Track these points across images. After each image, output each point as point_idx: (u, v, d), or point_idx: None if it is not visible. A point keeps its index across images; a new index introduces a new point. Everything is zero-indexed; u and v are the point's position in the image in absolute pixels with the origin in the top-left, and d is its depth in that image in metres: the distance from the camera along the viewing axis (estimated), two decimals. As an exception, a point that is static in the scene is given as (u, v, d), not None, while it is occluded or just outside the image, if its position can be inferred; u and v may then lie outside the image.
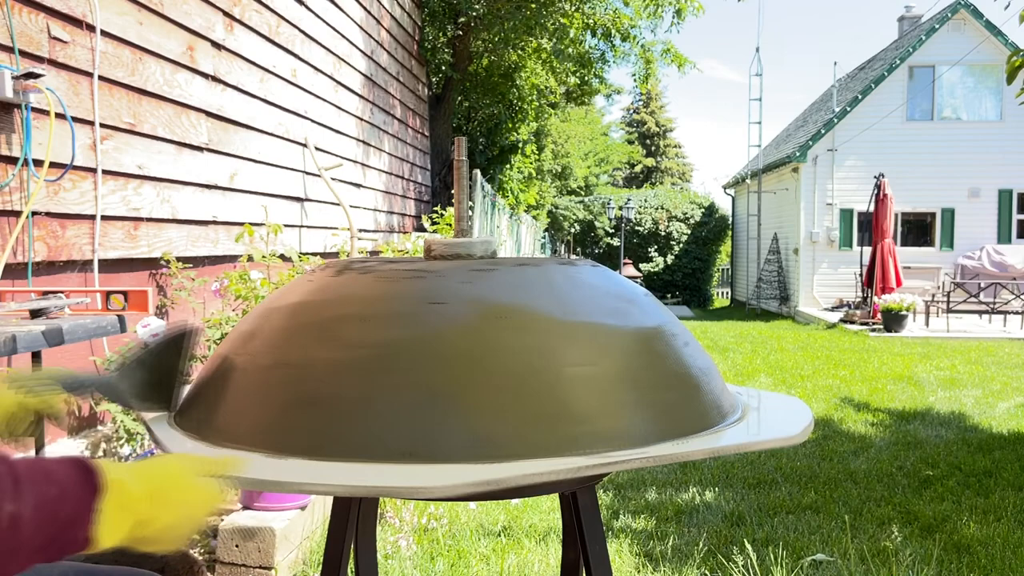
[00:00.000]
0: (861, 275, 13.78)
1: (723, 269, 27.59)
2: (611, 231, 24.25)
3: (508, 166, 13.73)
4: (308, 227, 5.73)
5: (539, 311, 1.06)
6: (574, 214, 24.90)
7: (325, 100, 6.09)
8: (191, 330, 1.10)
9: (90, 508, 0.69)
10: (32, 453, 2.12)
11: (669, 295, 23.02)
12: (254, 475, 0.89)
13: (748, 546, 3.01)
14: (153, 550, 0.78)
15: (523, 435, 0.95)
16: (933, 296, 13.08)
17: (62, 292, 2.23)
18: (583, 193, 29.16)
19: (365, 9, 7.08)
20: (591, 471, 0.93)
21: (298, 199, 5.54)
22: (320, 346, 1.05)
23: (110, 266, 3.40)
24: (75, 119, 3.08)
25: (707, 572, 2.89)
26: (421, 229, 8.74)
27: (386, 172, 7.84)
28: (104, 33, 3.30)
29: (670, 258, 23.35)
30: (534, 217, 19.89)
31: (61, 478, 0.68)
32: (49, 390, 0.98)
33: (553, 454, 0.94)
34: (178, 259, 3.83)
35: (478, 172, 9.80)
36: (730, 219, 23.53)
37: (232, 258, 4.42)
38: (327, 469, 0.92)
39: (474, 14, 10.35)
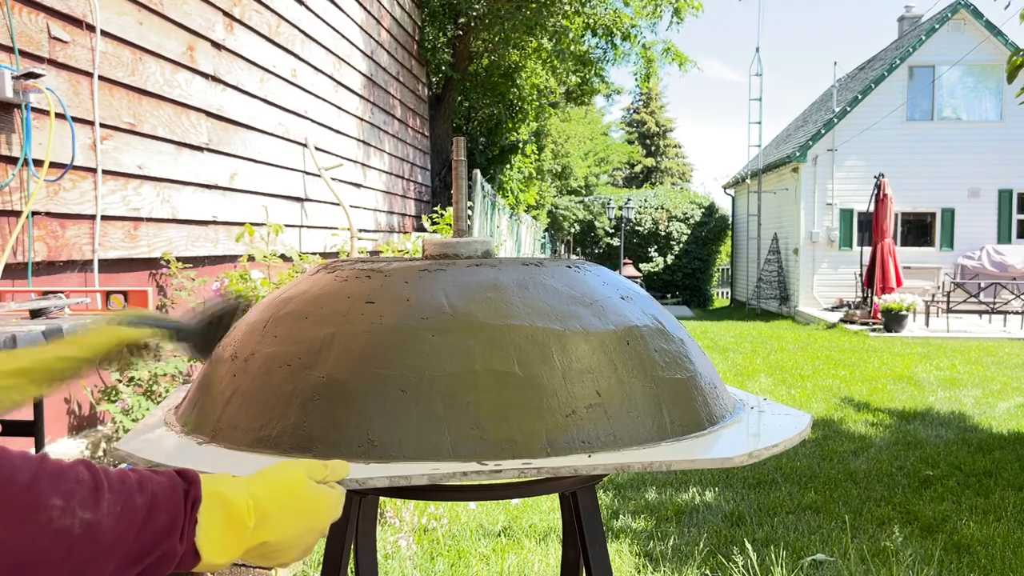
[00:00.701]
0: (861, 275, 13.78)
1: (723, 269, 27.58)
2: (611, 231, 24.25)
3: (508, 166, 13.73)
4: (308, 227, 5.73)
5: (465, 312, 1.06)
6: (574, 214, 24.90)
7: (325, 100, 6.09)
8: (245, 305, 1.26)
9: (185, 519, 0.67)
10: (32, 449, 2.12)
11: (669, 295, 23.02)
12: (360, 475, 0.91)
13: (748, 546, 3.01)
14: (277, 564, 0.77)
15: (402, 438, 0.96)
16: (933, 296, 13.08)
17: (62, 292, 2.23)
18: (583, 193, 29.16)
19: (365, 9, 7.08)
20: (454, 479, 0.94)
21: (298, 199, 5.54)
22: (262, 341, 1.12)
23: (110, 266, 3.40)
24: (75, 119, 3.08)
25: (707, 572, 2.89)
26: (421, 229, 8.74)
27: (386, 172, 7.84)
28: (104, 33, 3.30)
29: (670, 258, 23.34)
30: (534, 217, 19.89)
31: (154, 488, 0.67)
32: (141, 327, 1.13)
33: (444, 459, 0.95)
34: (178, 259, 3.83)
35: (478, 172, 9.79)
36: (730, 219, 23.53)
37: (232, 258, 4.42)
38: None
39: (474, 14, 10.35)
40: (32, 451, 2.14)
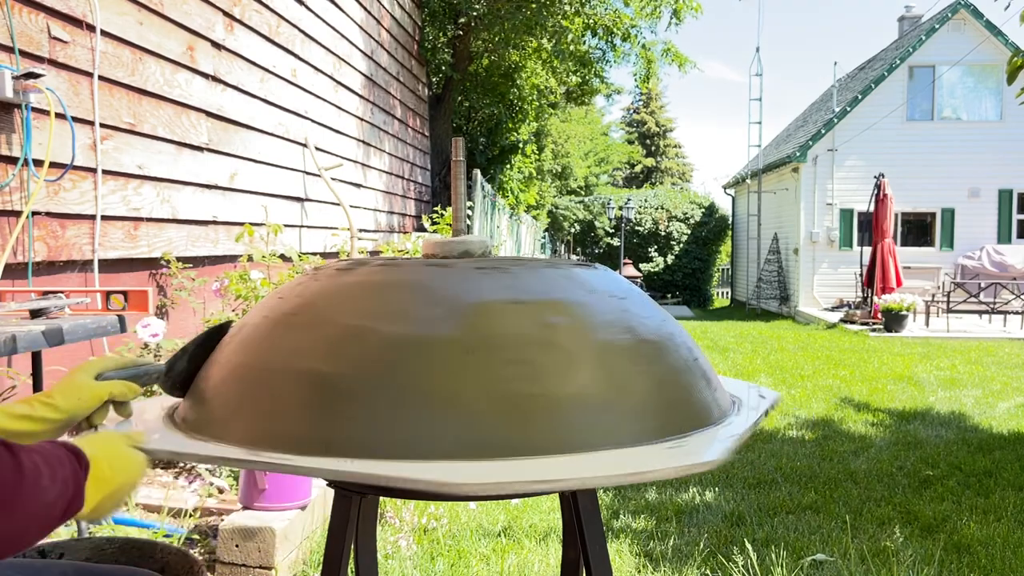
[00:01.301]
0: (861, 275, 13.78)
1: (723, 269, 27.58)
2: (611, 231, 24.25)
3: (508, 166, 13.73)
4: (308, 227, 5.73)
5: (318, 306, 1.11)
6: (574, 214, 24.90)
7: (325, 100, 6.09)
8: (228, 325, 1.24)
9: (83, 481, 0.87)
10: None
11: (669, 295, 23.02)
12: (159, 447, 1.03)
13: (748, 546, 3.01)
14: (104, 516, 0.97)
15: (294, 431, 1.01)
16: (933, 296, 13.08)
17: (62, 292, 2.23)
18: (583, 193, 29.16)
19: (365, 9, 7.08)
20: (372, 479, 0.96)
21: (298, 199, 5.54)
22: (233, 334, 1.20)
23: (110, 266, 3.40)
24: (75, 119, 3.08)
25: (707, 572, 2.89)
26: (421, 229, 8.74)
27: (386, 172, 7.84)
28: (104, 33, 3.30)
29: (670, 258, 23.34)
30: (534, 217, 19.90)
31: (65, 461, 0.85)
32: (124, 379, 1.10)
33: (327, 454, 0.97)
34: (178, 259, 3.83)
35: (478, 172, 9.80)
36: (730, 219, 23.53)
37: (232, 258, 4.42)
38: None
39: (474, 14, 10.35)
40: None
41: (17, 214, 2.81)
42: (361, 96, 6.98)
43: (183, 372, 1.18)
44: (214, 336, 1.20)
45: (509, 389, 1.00)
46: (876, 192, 12.72)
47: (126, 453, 0.96)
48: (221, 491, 2.97)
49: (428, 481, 0.89)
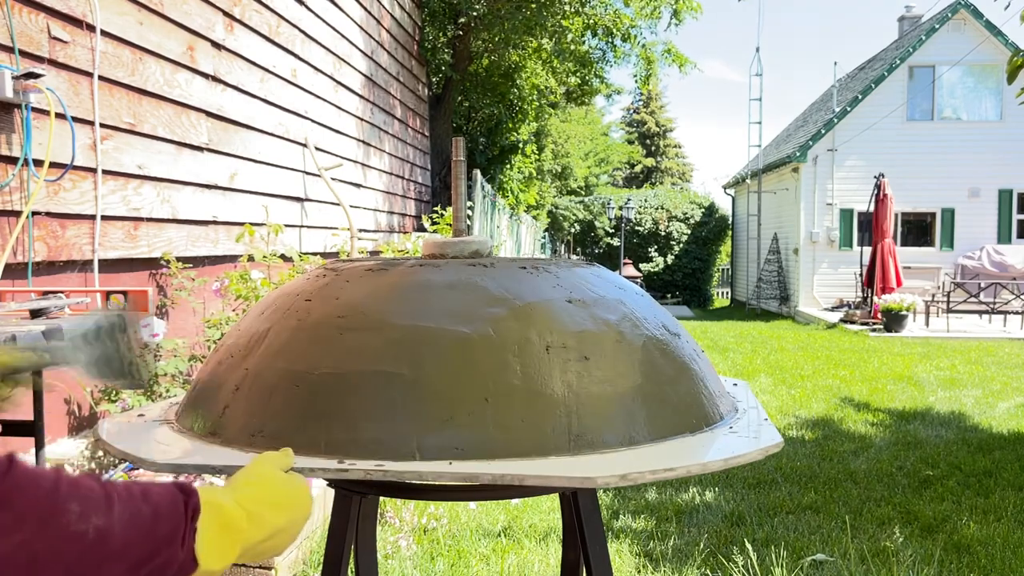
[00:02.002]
0: (861, 275, 13.77)
1: (723, 269, 27.58)
2: (611, 231, 24.25)
3: (508, 166, 13.73)
4: (308, 227, 5.73)
5: (378, 312, 1.08)
6: (574, 214, 24.90)
7: (325, 100, 6.09)
8: (121, 318, 1.11)
9: (186, 528, 0.72)
10: (32, 452, 2.13)
11: (669, 295, 23.02)
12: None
13: (748, 546, 3.01)
14: (272, 555, 0.81)
15: (287, 433, 1.00)
16: (933, 296, 13.07)
17: (62, 292, 2.23)
18: (583, 193, 29.15)
19: (365, 9, 7.08)
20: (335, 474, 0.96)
21: (298, 199, 5.54)
22: (231, 334, 1.20)
23: (110, 266, 3.40)
24: (75, 119, 3.08)
25: (707, 572, 2.89)
26: (421, 229, 8.74)
27: (386, 172, 7.84)
28: (104, 33, 3.30)
29: (670, 258, 23.34)
30: (534, 217, 19.89)
31: (157, 499, 0.71)
32: (11, 352, 1.01)
33: (315, 454, 0.97)
34: (178, 259, 3.83)
35: (478, 172, 9.79)
36: (730, 219, 23.52)
37: (232, 258, 4.42)
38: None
39: (474, 14, 10.35)
40: (32, 451, 2.14)
41: (17, 214, 2.81)
42: (361, 96, 6.98)
43: (78, 354, 1.06)
44: (106, 329, 1.09)
45: (586, 385, 1.03)
46: (876, 192, 12.72)
47: (278, 487, 0.83)
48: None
49: (571, 477, 0.91)
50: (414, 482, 0.95)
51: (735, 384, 1.49)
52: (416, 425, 0.97)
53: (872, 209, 12.90)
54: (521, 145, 13.68)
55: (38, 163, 2.88)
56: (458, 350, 1.02)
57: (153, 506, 0.70)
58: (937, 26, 15.72)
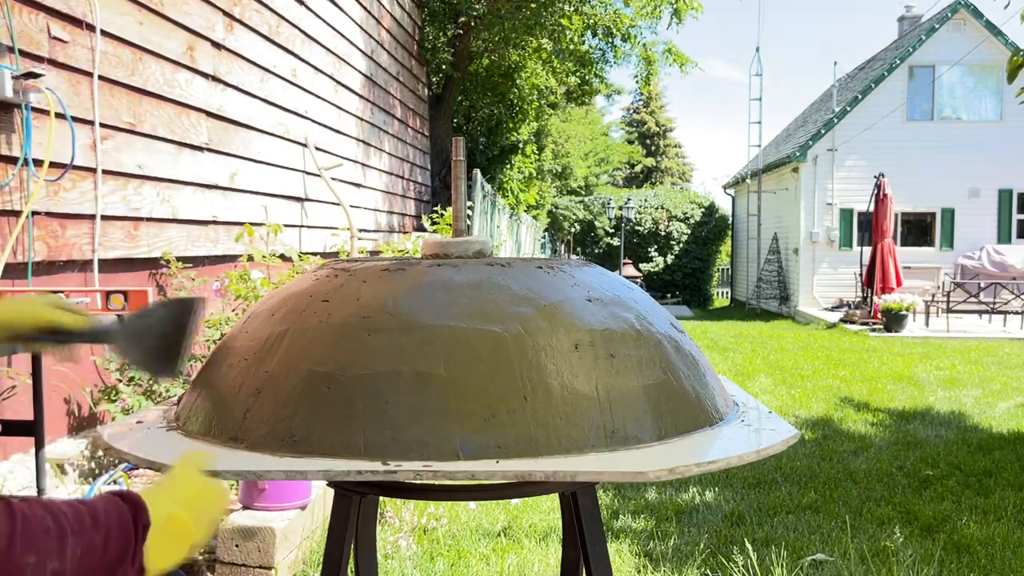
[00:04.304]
0: (861, 275, 13.77)
1: (723, 269, 27.57)
2: (611, 231, 24.24)
3: (508, 166, 13.73)
4: (308, 227, 5.73)
5: (406, 312, 1.09)
6: (574, 214, 24.89)
7: (325, 100, 6.09)
8: (194, 308, 1.15)
9: (135, 546, 0.73)
10: (33, 449, 2.12)
11: (669, 295, 23.02)
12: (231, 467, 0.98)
13: (748, 546, 3.01)
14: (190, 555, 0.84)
15: (320, 434, 1.00)
16: (933, 296, 13.07)
17: (62, 292, 2.23)
18: (583, 193, 29.14)
19: (365, 9, 7.08)
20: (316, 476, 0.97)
21: (298, 199, 5.54)
22: (236, 336, 1.19)
23: (110, 266, 3.40)
24: (75, 119, 3.08)
25: (707, 572, 2.89)
26: (421, 229, 8.74)
27: (386, 172, 7.84)
28: (104, 33, 3.30)
29: (670, 258, 23.34)
30: (534, 217, 19.89)
31: (106, 521, 0.72)
32: (61, 311, 1.06)
33: (354, 456, 0.97)
34: (178, 259, 3.83)
35: (478, 172, 9.79)
36: (730, 219, 23.52)
37: (232, 258, 4.42)
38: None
39: (474, 14, 10.35)
40: (32, 451, 2.14)
41: (17, 214, 2.81)
42: (361, 96, 6.98)
43: (147, 348, 1.10)
44: (178, 318, 1.13)
45: (616, 382, 1.05)
46: (876, 192, 12.71)
47: (209, 492, 0.86)
48: (221, 491, 2.97)
49: (623, 472, 0.93)
50: (425, 482, 0.95)
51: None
52: (458, 425, 0.97)
53: (872, 209, 12.90)
54: (521, 145, 13.68)
55: (38, 163, 2.88)
56: (492, 349, 1.02)
57: (104, 531, 0.71)
58: (937, 26, 15.71)
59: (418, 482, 0.99)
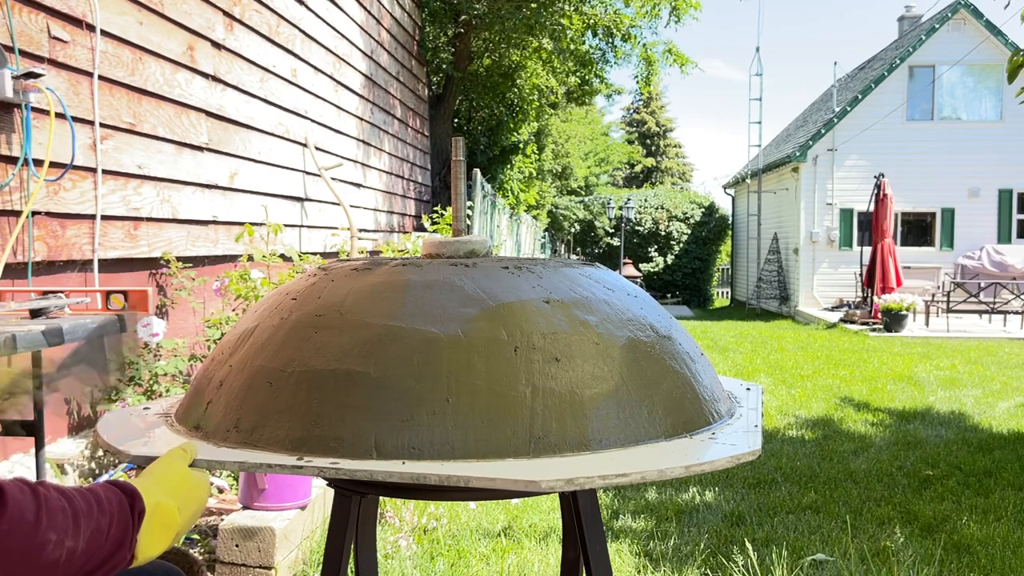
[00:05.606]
0: (861, 275, 13.77)
1: (723, 269, 27.58)
2: (611, 231, 24.24)
3: (509, 166, 13.72)
4: (308, 227, 5.73)
5: (354, 312, 1.10)
6: (574, 214, 24.89)
7: (325, 100, 6.09)
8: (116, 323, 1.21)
9: (134, 530, 0.80)
10: (33, 449, 2.12)
11: (669, 295, 23.01)
12: (210, 456, 1.00)
13: (748, 546, 3.01)
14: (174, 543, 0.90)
15: (260, 427, 1.03)
16: (933, 296, 13.07)
17: (62, 292, 2.23)
18: (583, 193, 29.15)
19: (365, 9, 7.08)
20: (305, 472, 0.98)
21: (298, 199, 5.54)
22: (227, 334, 1.24)
23: (110, 266, 3.40)
24: (75, 119, 3.08)
25: (707, 572, 2.89)
26: (421, 229, 8.74)
27: (386, 172, 7.84)
28: (104, 33, 3.30)
29: (670, 258, 23.34)
30: (534, 217, 19.89)
31: (109, 507, 0.79)
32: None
33: (279, 451, 1.00)
34: (178, 259, 3.83)
35: (478, 172, 9.79)
36: (730, 219, 23.52)
37: (232, 258, 4.42)
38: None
39: (474, 14, 10.35)
40: (32, 451, 2.14)
41: (17, 214, 2.81)
42: (361, 96, 6.98)
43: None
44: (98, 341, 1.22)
45: (553, 387, 1.02)
46: (876, 192, 12.71)
47: (191, 481, 0.92)
48: (221, 491, 2.97)
49: (515, 480, 0.90)
50: (409, 483, 0.94)
51: (748, 388, 1.44)
52: (375, 424, 0.98)
53: (872, 209, 12.90)
54: (521, 145, 13.68)
55: (38, 163, 2.88)
56: (423, 350, 1.02)
57: (108, 515, 0.77)
58: (937, 26, 15.71)
59: (410, 483, 0.98)
